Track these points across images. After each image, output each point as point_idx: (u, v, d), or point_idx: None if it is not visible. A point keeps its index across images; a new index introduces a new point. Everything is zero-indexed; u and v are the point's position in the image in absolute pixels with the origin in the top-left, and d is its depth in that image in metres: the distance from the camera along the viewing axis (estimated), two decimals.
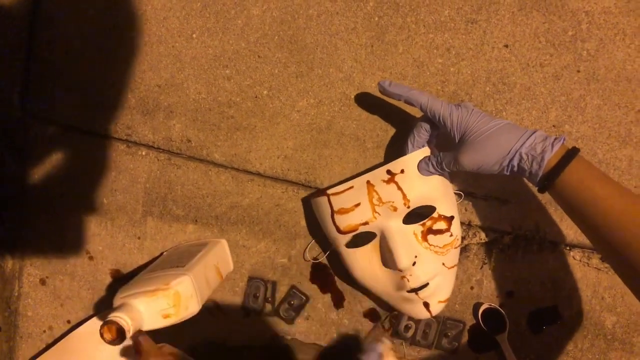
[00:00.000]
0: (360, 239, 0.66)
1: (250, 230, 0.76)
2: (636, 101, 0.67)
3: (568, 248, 0.72)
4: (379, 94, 0.69)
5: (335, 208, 0.66)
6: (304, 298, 0.76)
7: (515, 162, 0.55)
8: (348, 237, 0.67)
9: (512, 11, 0.67)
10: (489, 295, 0.74)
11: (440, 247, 0.65)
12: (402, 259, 0.63)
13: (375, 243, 0.66)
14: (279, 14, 0.70)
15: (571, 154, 0.53)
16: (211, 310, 0.79)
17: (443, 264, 0.66)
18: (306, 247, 0.75)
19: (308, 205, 0.74)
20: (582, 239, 0.70)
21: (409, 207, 0.63)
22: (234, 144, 0.74)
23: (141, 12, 0.72)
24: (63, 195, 0.77)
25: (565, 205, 0.55)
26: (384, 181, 0.63)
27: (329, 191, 0.66)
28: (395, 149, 0.71)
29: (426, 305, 0.67)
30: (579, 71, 0.67)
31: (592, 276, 0.72)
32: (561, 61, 0.67)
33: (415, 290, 0.65)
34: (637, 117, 0.67)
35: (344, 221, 0.65)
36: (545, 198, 0.70)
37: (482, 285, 0.74)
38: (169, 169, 0.75)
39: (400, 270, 0.64)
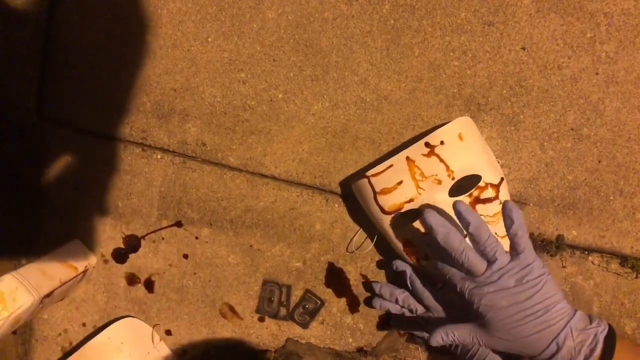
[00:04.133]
0: (407, 218, 0.65)
1: (265, 233, 0.76)
2: None
3: (587, 252, 0.71)
4: (394, 97, 0.69)
5: (377, 189, 0.64)
6: (319, 302, 0.76)
7: (559, 357, 0.53)
8: (393, 217, 0.65)
9: (529, 13, 0.66)
10: None
11: (490, 216, 0.63)
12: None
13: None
14: (294, 17, 0.69)
15: (610, 338, 0.52)
16: (225, 314, 0.78)
17: (495, 233, 0.63)
18: (352, 238, 0.74)
19: (346, 191, 0.74)
20: (601, 243, 0.70)
21: (453, 179, 0.61)
22: (249, 147, 0.74)
23: (156, 16, 0.72)
24: (78, 199, 0.78)
25: None
26: (423, 155, 0.62)
27: (369, 173, 0.64)
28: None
29: None
30: (597, 74, 0.66)
31: (611, 281, 0.71)
32: (579, 63, 0.66)
33: None
34: None
35: (387, 201, 0.64)
36: (564, 201, 0.69)
37: None
38: (184, 173, 0.75)
39: None
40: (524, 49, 0.67)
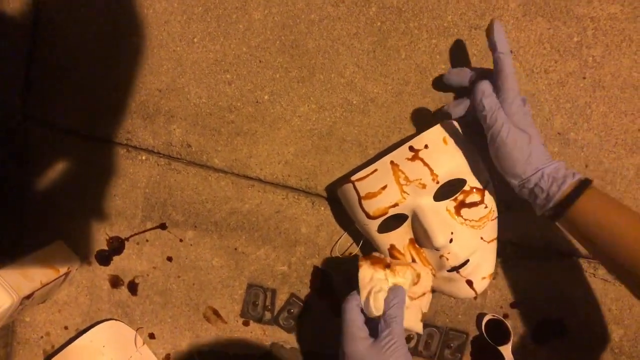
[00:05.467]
0: (392, 223, 0.64)
1: (250, 236, 0.75)
2: None
3: (574, 259, 0.70)
4: (381, 100, 0.69)
5: (362, 194, 0.64)
6: (304, 306, 0.75)
7: (533, 181, 0.55)
8: (378, 222, 0.64)
9: (516, 17, 0.66)
10: (492, 306, 0.73)
11: (476, 221, 0.62)
12: (438, 237, 0.60)
13: (407, 224, 0.64)
14: (281, 19, 0.69)
15: (586, 182, 0.54)
16: (210, 318, 0.78)
17: (481, 238, 0.63)
18: (337, 242, 0.74)
19: (332, 196, 0.73)
20: None
21: (438, 183, 0.61)
22: (234, 149, 0.73)
23: (142, 16, 0.71)
24: (62, 200, 0.77)
25: (579, 235, 0.55)
26: (408, 159, 0.61)
27: (353, 177, 0.64)
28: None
29: (469, 283, 0.63)
30: (584, 78, 0.66)
31: (598, 287, 0.70)
32: (566, 67, 0.66)
33: (456, 269, 0.62)
34: None
35: (372, 206, 0.63)
36: None
37: (485, 296, 0.73)
38: (168, 174, 0.75)
39: (438, 249, 0.61)
40: (511, 52, 0.66)
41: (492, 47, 0.57)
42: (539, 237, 0.70)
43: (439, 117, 0.66)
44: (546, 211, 0.56)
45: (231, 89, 0.71)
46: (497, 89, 0.57)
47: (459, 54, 0.67)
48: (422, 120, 0.69)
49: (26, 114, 0.76)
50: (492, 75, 0.58)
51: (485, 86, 0.57)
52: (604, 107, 0.66)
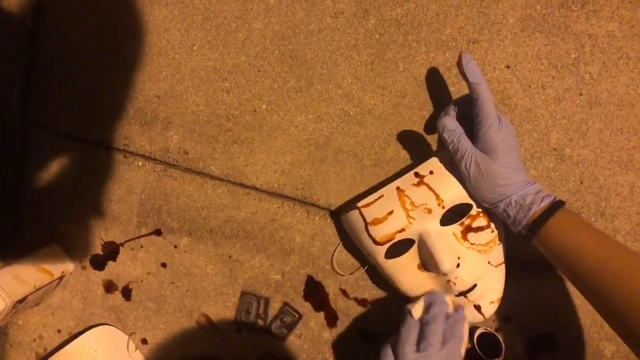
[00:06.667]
0: (399, 248, 0.64)
1: (245, 244, 0.75)
2: (639, 126, 0.66)
3: None
4: (378, 112, 0.69)
5: (369, 220, 0.63)
6: (297, 315, 0.75)
7: (502, 207, 0.58)
8: (385, 248, 0.64)
9: (514, 32, 0.66)
10: (485, 320, 0.73)
11: (482, 245, 0.63)
12: (445, 262, 0.60)
13: (414, 250, 0.64)
14: (280, 29, 0.69)
15: (556, 205, 0.55)
16: (203, 325, 0.78)
17: (489, 262, 0.63)
18: (333, 254, 0.74)
19: (336, 218, 0.73)
20: None
21: (444, 208, 0.61)
22: (231, 157, 0.73)
23: (142, 23, 0.72)
24: (58, 203, 0.77)
25: (549, 255, 0.57)
26: (413, 185, 0.62)
27: (359, 204, 0.64)
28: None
29: (477, 307, 0.64)
30: (581, 94, 0.66)
31: None
32: (563, 84, 0.66)
33: (464, 294, 0.62)
34: (639, 143, 0.66)
35: (379, 232, 0.63)
36: None
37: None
38: (164, 181, 0.75)
39: (445, 274, 0.61)
40: (508, 67, 0.67)
41: (464, 78, 0.58)
42: (531, 252, 0.70)
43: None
44: (518, 233, 0.59)
45: (229, 97, 0.72)
46: (475, 116, 0.58)
47: (455, 71, 0.67)
48: (419, 133, 0.69)
49: (24, 117, 0.76)
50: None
51: (445, 122, 0.59)
52: (600, 124, 0.67)
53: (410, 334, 0.58)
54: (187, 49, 0.71)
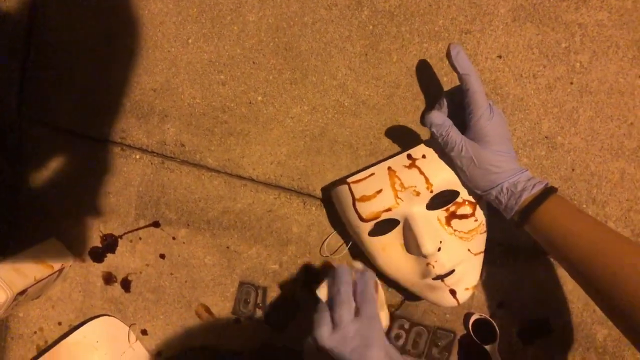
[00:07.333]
0: (383, 227, 0.65)
1: (242, 235, 0.76)
2: (629, 114, 0.67)
3: None
4: (372, 102, 0.70)
5: (357, 196, 0.65)
6: (294, 304, 0.76)
7: (494, 194, 0.59)
8: (370, 225, 0.65)
9: (505, 22, 0.67)
10: (480, 306, 0.74)
11: (465, 233, 0.64)
12: (427, 244, 0.61)
13: (398, 230, 0.65)
14: (275, 21, 0.70)
15: (548, 192, 0.56)
16: (202, 315, 0.79)
17: (469, 250, 0.64)
18: (324, 240, 0.75)
19: (327, 197, 0.74)
20: None
21: (432, 192, 0.62)
22: (227, 149, 0.74)
23: (138, 16, 0.72)
24: (56, 197, 0.78)
25: (541, 240, 0.58)
26: (405, 166, 0.63)
27: (349, 179, 0.65)
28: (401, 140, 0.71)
29: (452, 292, 0.65)
30: (572, 83, 0.67)
31: None
32: (554, 73, 0.67)
33: (441, 277, 0.64)
34: (629, 130, 0.68)
35: (366, 209, 0.64)
36: None
37: (473, 296, 0.74)
38: (162, 173, 0.76)
39: (425, 257, 0.62)
40: (500, 57, 0.68)
41: (454, 69, 0.59)
42: (525, 238, 0.71)
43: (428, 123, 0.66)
44: (510, 220, 0.60)
45: (225, 89, 0.72)
46: (466, 106, 0.59)
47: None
48: (413, 122, 0.70)
49: (21, 113, 0.77)
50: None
51: (431, 117, 0.60)
52: (590, 112, 0.68)
53: (322, 317, 0.55)
54: (182, 42, 0.72)
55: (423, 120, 0.67)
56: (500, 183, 0.58)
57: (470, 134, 0.59)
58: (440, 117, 0.60)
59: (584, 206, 0.70)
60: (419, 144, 0.64)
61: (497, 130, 0.58)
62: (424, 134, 0.70)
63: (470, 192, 0.63)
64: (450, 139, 0.59)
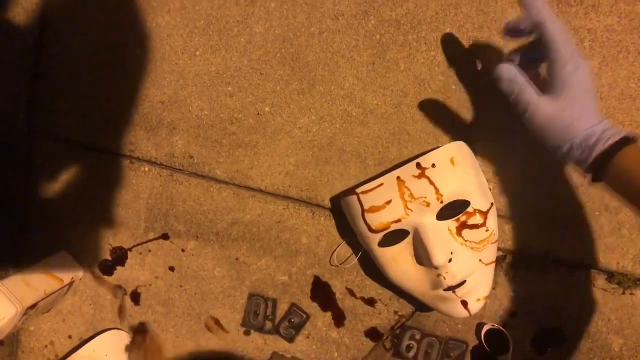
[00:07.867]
0: (393, 237, 0.64)
1: (251, 246, 0.76)
2: None
3: (573, 268, 0.71)
4: (380, 111, 0.69)
5: (366, 206, 0.64)
6: (305, 316, 0.76)
7: (565, 148, 0.53)
8: (380, 236, 0.65)
9: None
10: (492, 316, 0.73)
11: (476, 243, 0.63)
12: (437, 256, 0.60)
13: (408, 241, 0.64)
14: (281, 32, 0.70)
15: (623, 141, 0.51)
16: (211, 327, 0.78)
17: (480, 260, 0.64)
18: (334, 250, 0.74)
19: (337, 206, 0.74)
20: (588, 259, 0.69)
21: (442, 202, 0.61)
22: (235, 160, 0.74)
23: (145, 29, 0.73)
24: (66, 210, 0.78)
25: (620, 196, 0.53)
26: (414, 176, 0.62)
27: (358, 190, 0.65)
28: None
29: (464, 303, 0.64)
30: None
31: (598, 297, 0.71)
32: None
33: (452, 288, 0.63)
34: None
35: (375, 219, 0.64)
36: (550, 216, 0.69)
37: (485, 305, 0.73)
38: (171, 185, 0.76)
39: (436, 268, 0.62)
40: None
41: (529, 19, 0.52)
42: (538, 247, 0.70)
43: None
44: (585, 175, 0.54)
45: (232, 101, 0.72)
46: (546, 57, 0.53)
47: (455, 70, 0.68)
48: (421, 131, 0.70)
49: (30, 126, 0.77)
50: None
51: (502, 70, 0.55)
52: None
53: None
54: (190, 54, 0.72)
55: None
56: (570, 138, 0.52)
57: (550, 89, 0.53)
58: (511, 71, 0.54)
59: (597, 213, 0.69)
60: (428, 151, 0.63)
61: (582, 85, 0.52)
62: (435, 140, 0.70)
63: (548, 149, 0.58)
64: (522, 99, 0.53)
